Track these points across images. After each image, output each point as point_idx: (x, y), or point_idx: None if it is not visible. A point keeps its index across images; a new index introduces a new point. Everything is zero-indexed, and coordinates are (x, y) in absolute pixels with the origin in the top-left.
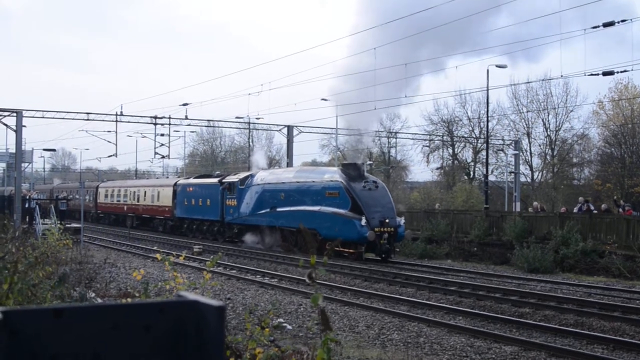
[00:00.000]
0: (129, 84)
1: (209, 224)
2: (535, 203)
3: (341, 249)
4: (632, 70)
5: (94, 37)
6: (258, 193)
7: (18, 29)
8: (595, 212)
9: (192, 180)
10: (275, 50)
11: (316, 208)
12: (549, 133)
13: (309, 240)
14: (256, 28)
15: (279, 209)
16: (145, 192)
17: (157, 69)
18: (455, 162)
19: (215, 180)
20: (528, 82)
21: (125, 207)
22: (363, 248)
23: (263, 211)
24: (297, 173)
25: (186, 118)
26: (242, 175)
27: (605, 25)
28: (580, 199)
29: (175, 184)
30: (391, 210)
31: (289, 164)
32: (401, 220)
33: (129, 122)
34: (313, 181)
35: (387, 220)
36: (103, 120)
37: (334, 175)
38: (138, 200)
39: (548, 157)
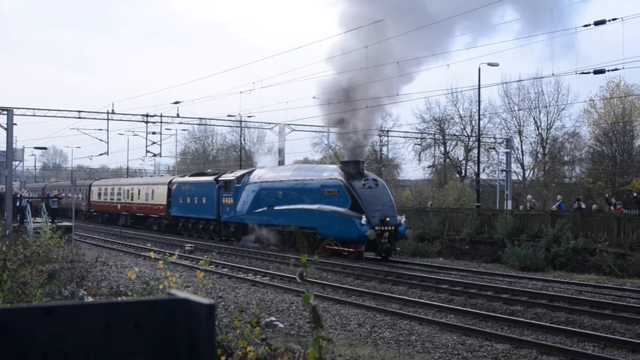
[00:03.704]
0: (121, 81)
1: (204, 222)
2: (529, 196)
3: (341, 248)
4: (623, 68)
5: (87, 35)
6: (255, 191)
7: (11, 26)
8: (584, 208)
9: (187, 179)
10: (269, 48)
11: (315, 206)
12: (540, 131)
13: (300, 240)
14: (251, 27)
15: (276, 208)
16: (139, 190)
17: (150, 67)
18: (447, 160)
19: (211, 178)
20: (520, 81)
21: (118, 206)
22: (363, 247)
23: (260, 210)
24: (295, 171)
25: (178, 116)
26: (239, 173)
27: (597, 23)
28: (559, 197)
29: (170, 182)
30: (392, 208)
31: (281, 162)
32: (402, 219)
33: (120, 120)
34: (312, 179)
35: (387, 219)
36: (94, 119)
37: (333, 173)
38: (132, 199)
39: (539, 155)
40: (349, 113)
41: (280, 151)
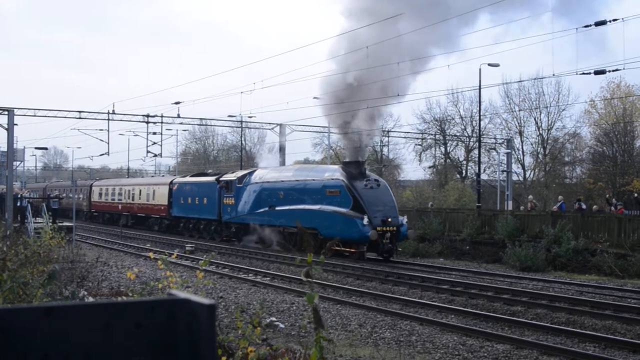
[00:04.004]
0: (121, 81)
1: (205, 222)
2: (530, 197)
3: (342, 248)
4: (624, 69)
5: (87, 35)
6: (256, 192)
7: (11, 26)
8: (584, 209)
9: (188, 179)
10: (269, 48)
11: (316, 207)
12: (541, 132)
13: (307, 239)
14: (251, 27)
15: (277, 208)
16: (140, 190)
17: (150, 67)
18: (448, 160)
19: (212, 178)
20: (520, 81)
21: (119, 206)
22: (365, 248)
23: (261, 210)
24: (297, 171)
25: (178, 117)
26: (240, 173)
27: (597, 24)
28: (560, 197)
29: (171, 183)
30: (393, 209)
31: (282, 162)
32: (403, 220)
33: (121, 120)
34: (313, 179)
35: (389, 220)
36: (95, 119)
37: (334, 173)
38: (133, 199)
39: (540, 155)
40: (352, 112)
41: (282, 150)
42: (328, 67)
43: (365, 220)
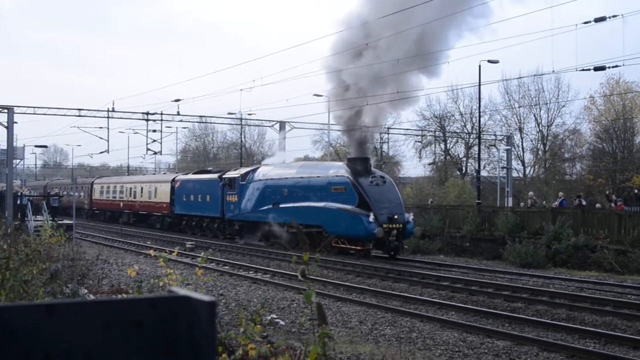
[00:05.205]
0: (121, 81)
1: (208, 220)
2: (530, 193)
3: (348, 246)
4: (623, 65)
5: (87, 35)
6: (259, 189)
7: (11, 26)
8: (584, 205)
9: (190, 176)
10: (269, 48)
11: (321, 204)
12: (540, 128)
13: (302, 237)
14: (251, 27)
15: (281, 205)
16: (142, 188)
17: (150, 67)
18: (448, 157)
19: (215, 175)
20: (520, 78)
21: (121, 204)
22: (371, 245)
23: (265, 208)
24: (301, 168)
25: (178, 114)
26: (243, 170)
27: (597, 20)
28: (561, 194)
29: (173, 180)
30: (399, 205)
31: (282, 160)
32: (410, 216)
33: (120, 118)
34: (318, 176)
35: (395, 216)
36: (95, 117)
37: (339, 170)
38: (134, 197)
39: (540, 152)
40: (359, 107)
41: (281, 145)
42: (335, 57)
43: (371, 218)
